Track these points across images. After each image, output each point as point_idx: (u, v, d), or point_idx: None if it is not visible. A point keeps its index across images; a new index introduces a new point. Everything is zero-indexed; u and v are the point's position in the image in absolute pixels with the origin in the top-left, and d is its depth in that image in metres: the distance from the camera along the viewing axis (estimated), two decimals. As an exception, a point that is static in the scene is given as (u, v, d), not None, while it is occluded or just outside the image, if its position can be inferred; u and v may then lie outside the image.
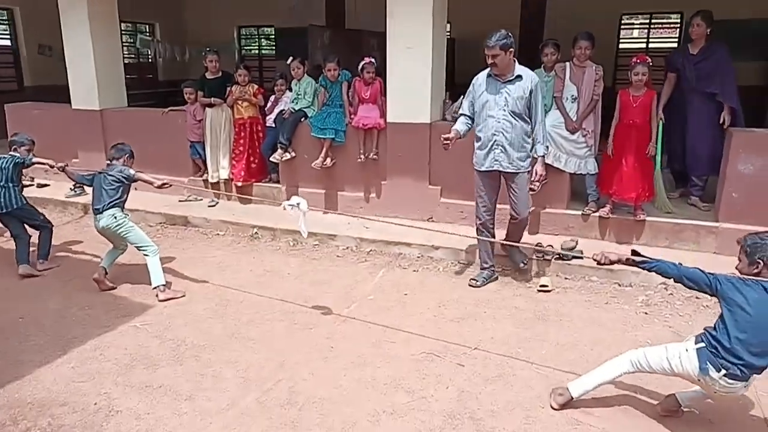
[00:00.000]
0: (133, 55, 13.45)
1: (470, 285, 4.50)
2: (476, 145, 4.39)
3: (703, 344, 2.58)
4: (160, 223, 6.21)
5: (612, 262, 2.85)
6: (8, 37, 10.99)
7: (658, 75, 5.42)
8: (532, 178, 4.43)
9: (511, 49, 4.09)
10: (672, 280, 2.72)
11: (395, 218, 5.59)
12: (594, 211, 5.19)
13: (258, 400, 3.03)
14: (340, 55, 6.27)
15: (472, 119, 4.39)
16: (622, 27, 11.02)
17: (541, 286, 4.43)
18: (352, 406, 2.97)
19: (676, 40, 10.67)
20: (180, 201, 6.58)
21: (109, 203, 4.31)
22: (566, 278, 4.64)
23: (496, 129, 4.22)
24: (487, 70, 4.25)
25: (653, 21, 10.43)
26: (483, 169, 4.37)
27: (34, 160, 4.85)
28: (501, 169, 4.31)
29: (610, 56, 10.44)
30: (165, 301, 4.24)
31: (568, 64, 5.02)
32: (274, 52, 13.89)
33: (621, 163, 4.97)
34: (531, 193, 4.63)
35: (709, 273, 2.62)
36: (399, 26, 5.39)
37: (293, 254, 5.33)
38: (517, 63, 4.20)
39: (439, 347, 3.57)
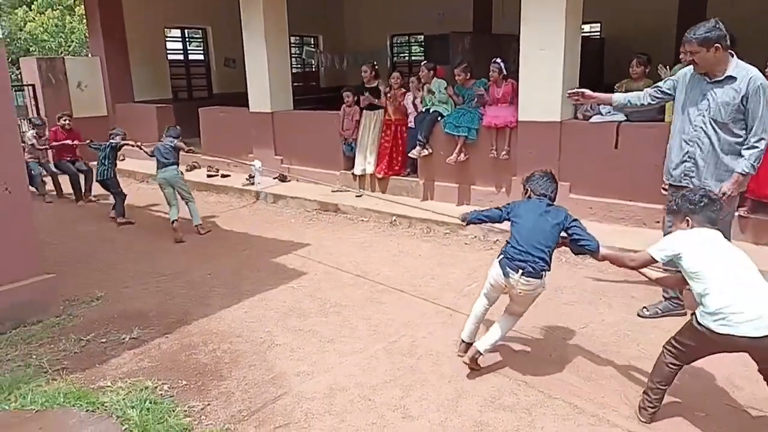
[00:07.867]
0: (299, 65, 15.10)
1: (638, 314, 4.01)
2: (668, 152, 3.81)
3: (501, 256, 3.17)
4: (316, 209, 7.17)
5: None
6: (202, 52, 13.06)
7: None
8: (718, 193, 3.36)
9: (718, 45, 3.32)
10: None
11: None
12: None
13: (384, 348, 3.64)
14: (480, 58, 6.72)
15: (653, 102, 3.82)
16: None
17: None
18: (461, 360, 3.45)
19: None
20: (332, 191, 7.50)
21: (172, 162, 6.18)
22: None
23: (691, 138, 3.58)
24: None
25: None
26: (671, 181, 3.76)
27: (122, 142, 6.81)
28: (692, 186, 3.49)
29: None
30: (204, 234, 6.16)
31: None
32: (423, 57, 14.67)
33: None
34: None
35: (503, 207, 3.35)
36: (532, 30, 5.72)
37: (426, 240, 5.90)
38: (734, 60, 3.43)
39: (547, 324, 3.90)
